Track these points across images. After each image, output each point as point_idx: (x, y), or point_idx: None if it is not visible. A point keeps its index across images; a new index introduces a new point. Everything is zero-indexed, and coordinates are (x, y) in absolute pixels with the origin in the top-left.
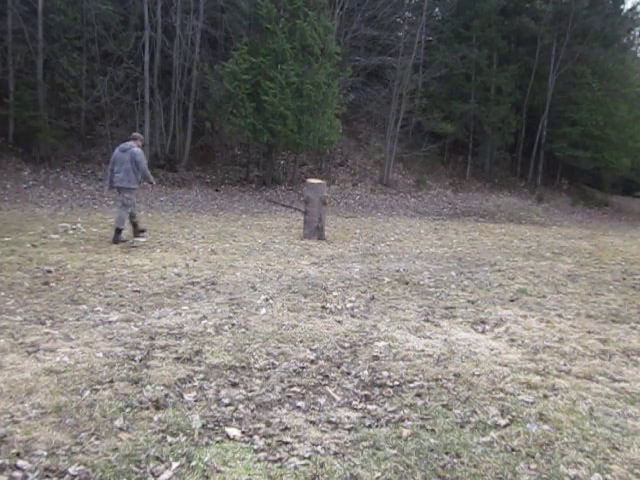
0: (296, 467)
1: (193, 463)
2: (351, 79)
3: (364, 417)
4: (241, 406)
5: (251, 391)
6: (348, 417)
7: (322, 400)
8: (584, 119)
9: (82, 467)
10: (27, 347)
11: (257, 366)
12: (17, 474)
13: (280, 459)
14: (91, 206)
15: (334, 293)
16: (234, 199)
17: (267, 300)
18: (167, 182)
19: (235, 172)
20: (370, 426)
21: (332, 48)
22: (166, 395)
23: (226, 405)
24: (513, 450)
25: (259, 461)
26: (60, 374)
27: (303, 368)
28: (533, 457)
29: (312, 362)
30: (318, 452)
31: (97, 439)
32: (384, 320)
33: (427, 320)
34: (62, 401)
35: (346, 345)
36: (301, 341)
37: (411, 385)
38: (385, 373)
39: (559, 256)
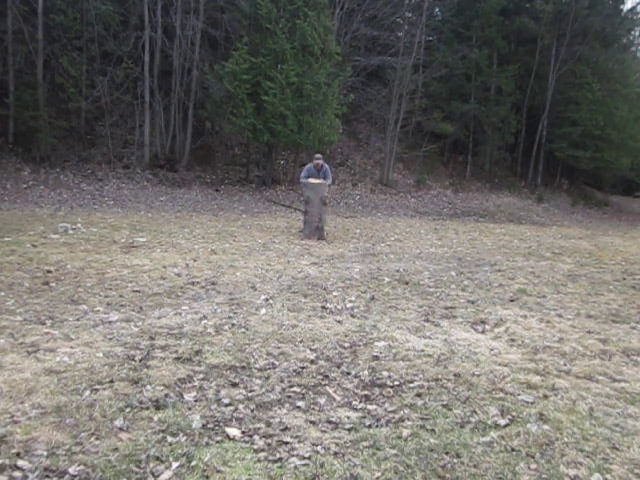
0: (296, 467)
1: (193, 463)
2: (351, 79)
3: (364, 417)
4: (241, 406)
5: (251, 391)
6: (348, 417)
7: (322, 400)
8: (584, 119)
9: (82, 467)
10: (27, 347)
11: (257, 366)
12: (17, 474)
13: (280, 459)
14: (91, 206)
15: (334, 293)
16: (234, 199)
17: (267, 300)
18: (167, 182)
19: (235, 172)
20: (370, 426)
21: (332, 48)
22: (166, 395)
23: (226, 405)
24: (513, 450)
25: (259, 461)
26: (60, 374)
27: (303, 368)
28: (533, 457)
29: (312, 362)
30: (318, 452)
31: (97, 439)
32: (384, 320)
33: (427, 320)
34: (62, 401)
35: (346, 345)
36: (301, 341)
37: (411, 385)
38: (385, 373)
39: (559, 256)
